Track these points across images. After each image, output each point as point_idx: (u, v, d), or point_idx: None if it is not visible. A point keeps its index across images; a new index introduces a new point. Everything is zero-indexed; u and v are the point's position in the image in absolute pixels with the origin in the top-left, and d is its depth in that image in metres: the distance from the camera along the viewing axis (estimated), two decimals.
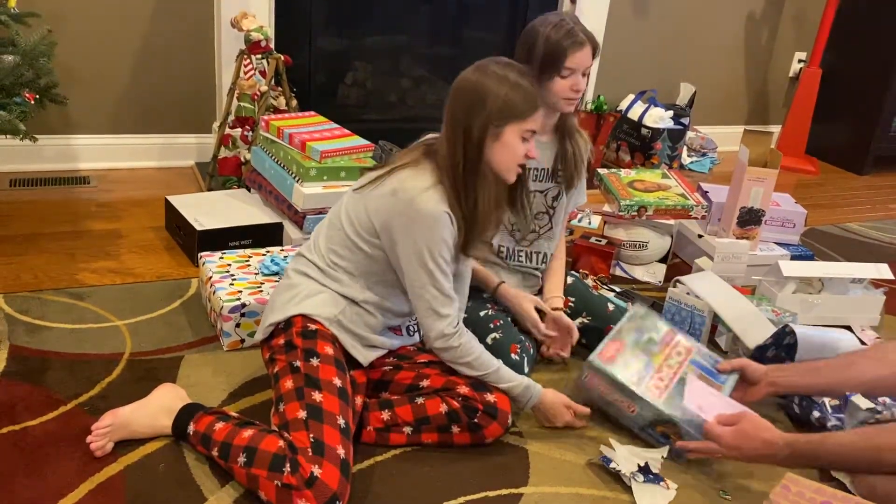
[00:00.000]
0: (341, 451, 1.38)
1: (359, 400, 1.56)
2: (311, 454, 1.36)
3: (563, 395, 1.69)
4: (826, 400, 1.82)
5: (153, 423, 1.53)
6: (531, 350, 1.88)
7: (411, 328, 1.72)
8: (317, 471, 1.33)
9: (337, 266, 1.57)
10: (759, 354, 1.91)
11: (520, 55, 1.80)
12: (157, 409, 1.54)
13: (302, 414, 1.42)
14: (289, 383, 1.49)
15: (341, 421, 1.43)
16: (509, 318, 1.91)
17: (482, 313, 1.87)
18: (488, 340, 1.79)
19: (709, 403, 1.61)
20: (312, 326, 1.54)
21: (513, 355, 1.77)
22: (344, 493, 1.36)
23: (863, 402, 1.72)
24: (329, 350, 1.52)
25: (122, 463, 1.47)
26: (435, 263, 1.50)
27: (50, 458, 1.46)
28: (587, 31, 1.78)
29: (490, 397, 1.58)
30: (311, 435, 1.38)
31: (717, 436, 1.51)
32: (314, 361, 1.50)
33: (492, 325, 1.83)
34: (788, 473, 1.40)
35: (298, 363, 1.50)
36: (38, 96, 2.16)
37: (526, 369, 1.79)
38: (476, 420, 1.57)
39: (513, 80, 1.51)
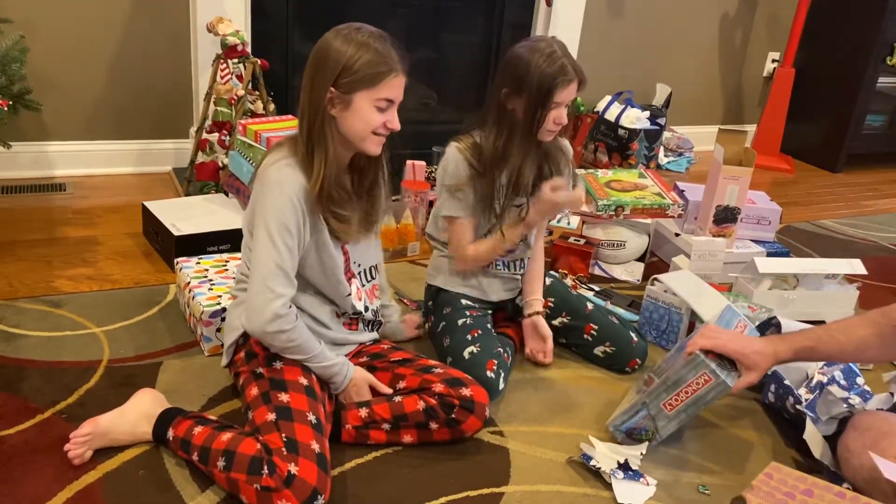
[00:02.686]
0: (316, 447, 1.38)
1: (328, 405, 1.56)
2: (285, 453, 1.35)
3: (369, 374, 1.63)
4: (802, 391, 1.84)
5: (133, 430, 1.52)
6: (509, 362, 1.88)
7: (365, 321, 1.70)
8: (293, 469, 1.33)
9: None
10: None
11: (506, 82, 1.76)
12: (136, 415, 1.53)
13: (271, 416, 1.42)
14: (254, 390, 1.49)
15: (312, 417, 1.43)
16: (489, 325, 1.91)
17: (460, 322, 1.86)
18: (465, 355, 1.78)
19: None
20: None
21: (488, 372, 1.75)
22: (324, 487, 1.36)
23: (838, 392, 1.75)
24: None
25: (101, 470, 1.46)
26: (279, 234, 1.43)
27: (27, 466, 1.45)
28: (576, 64, 1.74)
29: (465, 392, 1.58)
30: (284, 435, 1.38)
31: None
32: (277, 365, 1.51)
33: (469, 337, 1.81)
34: (773, 462, 1.41)
35: (261, 370, 1.51)
36: (10, 102, 2.14)
37: (501, 385, 1.78)
38: (453, 415, 1.57)
39: (361, 41, 1.43)
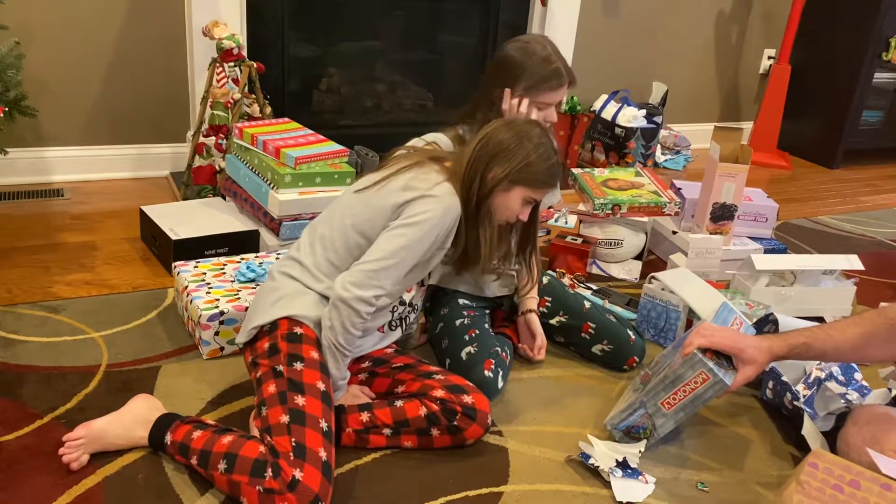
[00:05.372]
0: (323, 454, 1.38)
1: None
2: (292, 458, 1.36)
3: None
4: (800, 387, 1.84)
5: (128, 434, 1.52)
6: (507, 360, 1.88)
7: (393, 323, 1.70)
8: (298, 474, 1.34)
9: (333, 266, 1.56)
10: None
11: (499, 82, 1.78)
12: (131, 420, 1.53)
13: (284, 418, 1.42)
14: (271, 388, 1.48)
15: (324, 424, 1.43)
16: (486, 325, 1.91)
17: (458, 322, 1.86)
18: (462, 355, 1.78)
19: None
20: (298, 330, 1.53)
21: (486, 372, 1.75)
22: (326, 495, 1.36)
23: (836, 388, 1.75)
24: (314, 354, 1.51)
25: (101, 475, 1.46)
26: (418, 245, 1.51)
27: (27, 472, 1.45)
28: (567, 65, 1.79)
29: (467, 399, 1.58)
30: (293, 439, 1.38)
31: None
32: (298, 366, 1.49)
33: (467, 337, 1.81)
34: (815, 449, 1.38)
35: (282, 367, 1.50)
36: (7, 109, 2.14)
37: (500, 384, 1.78)
38: (455, 422, 1.57)
39: (546, 150, 1.59)
